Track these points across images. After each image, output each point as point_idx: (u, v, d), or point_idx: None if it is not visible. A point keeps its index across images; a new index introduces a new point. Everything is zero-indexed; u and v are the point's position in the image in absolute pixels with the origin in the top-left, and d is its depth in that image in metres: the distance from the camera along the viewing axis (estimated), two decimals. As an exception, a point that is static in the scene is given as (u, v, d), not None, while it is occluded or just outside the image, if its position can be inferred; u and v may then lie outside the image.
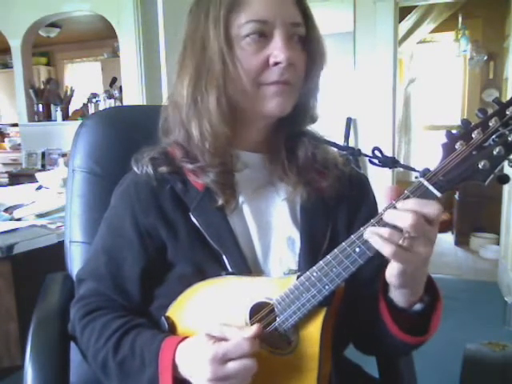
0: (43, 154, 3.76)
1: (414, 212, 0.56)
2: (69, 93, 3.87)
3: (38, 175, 2.23)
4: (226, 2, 0.69)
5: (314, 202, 0.77)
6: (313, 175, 0.78)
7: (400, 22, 3.44)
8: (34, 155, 3.78)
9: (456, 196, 4.14)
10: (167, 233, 0.73)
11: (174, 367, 0.63)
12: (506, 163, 0.58)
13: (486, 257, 3.72)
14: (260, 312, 0.66)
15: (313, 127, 0.82)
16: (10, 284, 1.43)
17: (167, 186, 0.75)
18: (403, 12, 3.59)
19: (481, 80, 4.38)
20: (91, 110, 3.72)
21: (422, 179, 0.59)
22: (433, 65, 4.60)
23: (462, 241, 4.09)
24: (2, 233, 1.51)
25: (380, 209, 0.61)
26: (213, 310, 0.69)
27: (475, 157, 0.58)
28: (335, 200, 0.78)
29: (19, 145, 4.45)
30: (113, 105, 3.61)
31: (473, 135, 0.58)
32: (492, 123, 0.57)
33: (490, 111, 0.58)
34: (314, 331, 0.65)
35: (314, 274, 0.63)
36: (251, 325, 0.65)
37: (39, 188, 2.14)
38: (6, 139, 5.82)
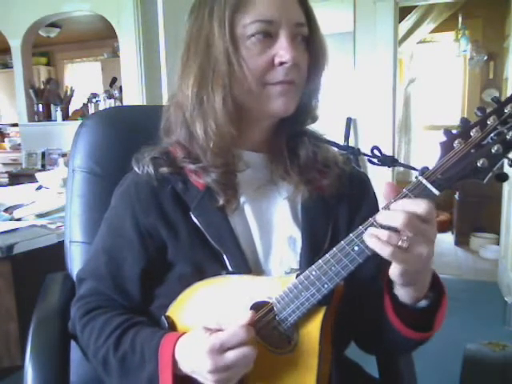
0: (43, 154, 3.76)
1: (405, 211, 0.56)
2: (69, 93, 3.87)
3: (37, 175, 2.24)
4: (231, 2, 0.69)
5: (315, 200, 0.77)
6: (314, 174, 0.78)
7: (400, 22, 3.44)
8: (34, 155, 3.78)
9: (456, 196, 4.13)
10: (167, 233, 0.73)
11: (174, 363, 0.63)
12: (506, 163, 0.58)
13: (486, 257, 3.71)
14: (259, 311, 0.66)
15: (313, 126, 0.82)
16: (10, 284, 1.43)
17: (168, 186, 0.75)
18: (403, 12, 3.58)
19: (481, 80, 4.37)
20: (91, 110, 3.72)
21: (420, 178, 0.59)
22: (433, 65, 4.60)
23: (461, 241, 4.08)
24: (2, 233, 1.51)
25: (381, 207, 0.61)
26: (213, 310, 0.70)
27: (474, 155, 0.58)
28: (336, 199, 0.78)
29: (19, 145, 4.45)
30: (113, 105, 3.61)
31: (471, 133, 0.58)
32: (490, 121, 0.57)
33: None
34: (313, 330, 0.65)
35: (313, 272, 0.63)
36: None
37: (39, 188, 2.15)
38: (6, 139, 5.83)
